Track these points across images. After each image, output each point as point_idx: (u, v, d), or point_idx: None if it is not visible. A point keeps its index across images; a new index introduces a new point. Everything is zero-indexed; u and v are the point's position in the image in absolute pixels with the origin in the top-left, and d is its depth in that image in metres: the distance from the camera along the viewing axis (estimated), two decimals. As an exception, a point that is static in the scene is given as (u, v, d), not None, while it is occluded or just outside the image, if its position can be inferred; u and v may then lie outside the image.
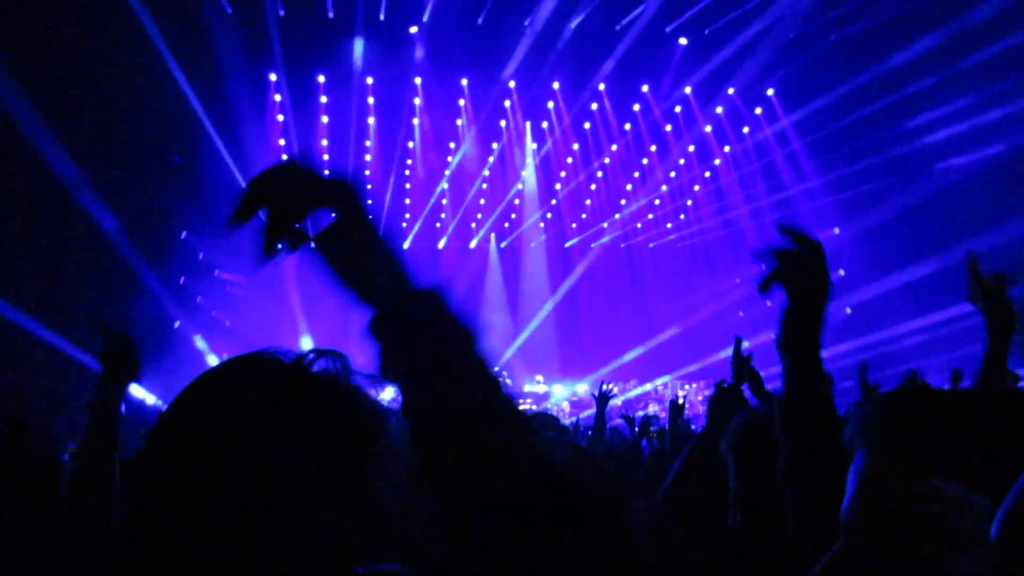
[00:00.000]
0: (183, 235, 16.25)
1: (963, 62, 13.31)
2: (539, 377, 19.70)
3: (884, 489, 0.90)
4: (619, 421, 8.31)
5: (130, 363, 2.26)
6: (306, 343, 17.11)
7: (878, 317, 15.65)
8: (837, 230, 18.52)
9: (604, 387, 5.37)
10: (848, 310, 18.22)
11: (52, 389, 12.47)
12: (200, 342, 16.22)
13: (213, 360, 14.54)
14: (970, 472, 0.86)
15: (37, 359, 12.31)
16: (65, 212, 12.48)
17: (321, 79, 16.35)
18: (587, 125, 19.26)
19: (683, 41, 16.06)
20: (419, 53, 15.34)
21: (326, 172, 0.96)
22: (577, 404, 18.89)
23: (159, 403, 12.51)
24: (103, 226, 12.95)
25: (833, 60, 15.39)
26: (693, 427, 7.44)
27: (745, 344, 3.53)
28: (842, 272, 18.76)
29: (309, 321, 17.80)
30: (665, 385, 19.40)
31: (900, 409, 0.98)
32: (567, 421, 15.41)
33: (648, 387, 19.55)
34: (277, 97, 16.47)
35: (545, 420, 2.72)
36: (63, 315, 12.86)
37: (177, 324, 15.76)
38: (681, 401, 4.11)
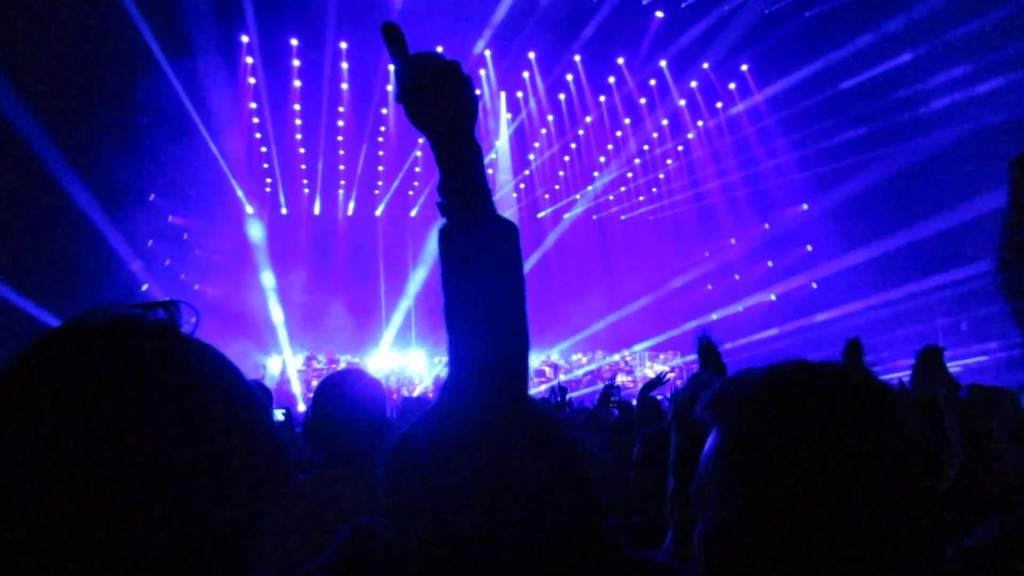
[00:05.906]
0: (151, 197, 16.02)
1: (935, 40, 13.48)
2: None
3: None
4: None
5: None
6: (275, 310, 17.06)
7: (842, 292, 15.98)
8: (806, 206, 18.80)
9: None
10: (814, 285, 18.57)
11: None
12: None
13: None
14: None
15: None
16: (26, 171, 12.23)
17: (294, 42, 16.09)
18: (562, 96, 19.23)
19: (659, 14, 16.04)
20: (394, 19, 15.12)
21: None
22: (540, 372, 19.13)
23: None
24: (66, 186, 12.71)
25: (806, 38, 15.51)
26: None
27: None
28: (809, 248, 19.08)
29: (279, 286, 17.69)
30: (633, 355, 19.67)
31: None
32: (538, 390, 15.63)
33: (616, 357, 19.79)
34: (249, 60, 16.18)
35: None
36: (24, 276, 12.68)
37: (145, 287, 15.59)
38: (665, 378, 4.12)
